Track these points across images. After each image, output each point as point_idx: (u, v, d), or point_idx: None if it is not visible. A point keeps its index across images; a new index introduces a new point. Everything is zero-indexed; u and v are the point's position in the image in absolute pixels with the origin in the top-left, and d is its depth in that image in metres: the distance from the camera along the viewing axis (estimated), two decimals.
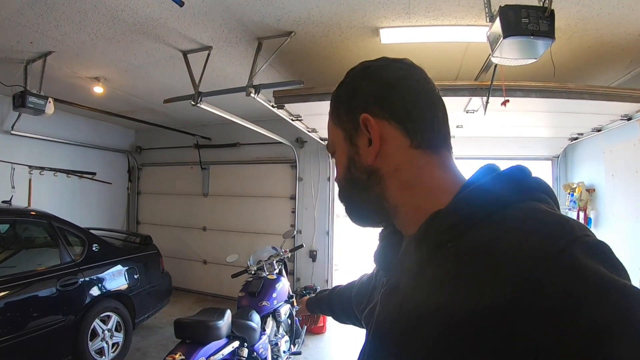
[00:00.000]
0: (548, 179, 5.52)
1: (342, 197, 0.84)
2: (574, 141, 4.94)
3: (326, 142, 0.92)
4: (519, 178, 0.64)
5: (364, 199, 0.78)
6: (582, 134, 4.68)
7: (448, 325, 0.54)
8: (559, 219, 0.56)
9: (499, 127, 4.69)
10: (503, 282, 0.50)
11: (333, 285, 1.67)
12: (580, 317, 0.44)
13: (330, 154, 0.87)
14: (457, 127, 4.68)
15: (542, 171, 5.75)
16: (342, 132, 0.79)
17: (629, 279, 0.49)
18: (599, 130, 4.35)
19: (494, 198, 0.61)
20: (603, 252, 0.51)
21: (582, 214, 4.70)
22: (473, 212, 0.61)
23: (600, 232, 4.51)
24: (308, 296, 1.72)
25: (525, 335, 0.46)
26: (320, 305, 1.59)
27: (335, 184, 0.89)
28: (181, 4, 2.80)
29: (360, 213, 0.82)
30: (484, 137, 5.25)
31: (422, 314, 0.60)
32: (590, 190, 4.69)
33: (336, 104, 0.81)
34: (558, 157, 5.56)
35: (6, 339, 3.20)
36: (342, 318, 1.44)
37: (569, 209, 4.93)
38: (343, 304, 1.37)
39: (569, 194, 4.94)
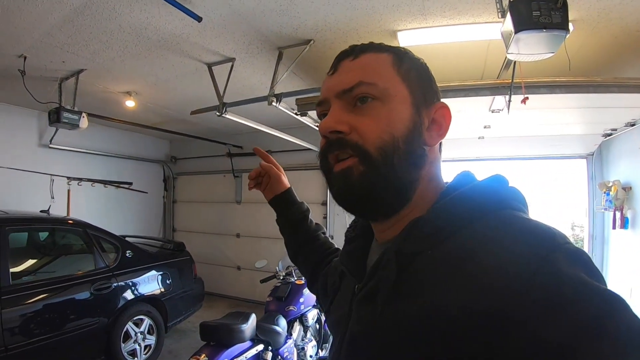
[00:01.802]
0: (583, 178, 5.36)
1: (386, 156, 0.66)
2: (607, 137, 4.73)
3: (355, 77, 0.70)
4: (495, 188, 0.66)
5: (407, 174, 0.69)
6: (615, 130, 4.48)
7: (431, 332, 0.55)
8: (541, 227, 0.56)
9: (528, 126, 4.56)
10: (487, 288, 0.51)
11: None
12: (563, 320, 0.46)
13: (360, 91, 0.68)
14: (485, 127, 4.60)
15: (577, 170, 5.58)
16: (408, 92, 0.70)
17: (606, 285, 0.50)
18: (633, 125, 4.17)
19: (472, 207, 0.62)
20: (583, 259, 0.52)
21: (618, 214, 4.50)
22: (452, 220, 0.62)
23: (638, 233, 4.32)
24: (290, 188, 1.34)
25: (509, 339, 0.48)
26: (298, 222, 1.29)
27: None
28: (199, 20, 2.92)
29: (390, 189, 0.68)
30: (514, 137, 5.10)
31: (404, 322, 0.60)
32: (627, 189, 4.47)
33: (402, 62, 0.72)
34: (592, 154, 5.31)
35: (44, 339, 3.43)
36: (297, 258, 1.30)
37: (605, 209, 4.72)
38: (315, 259, 1.22)
39: (604, 193, 4.71)
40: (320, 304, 1.21)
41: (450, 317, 0.53)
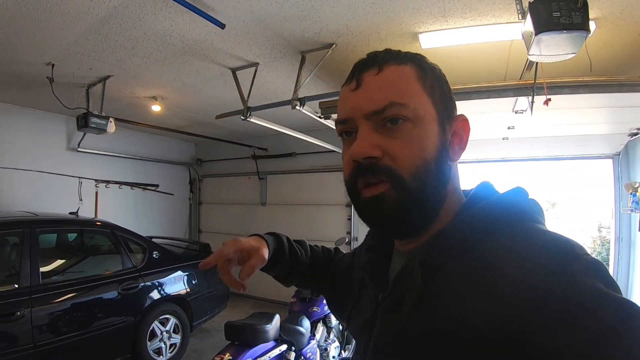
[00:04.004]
0: (609, 179, 5.25)
1: (419, 181, 0.66)
2: (634, 137, 4.61)
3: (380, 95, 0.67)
4: (517, 200, 0.67)
5: (437, 193, 0.69)
6: None
7: (455, 342, 0.56)
8: (560, 238, 0.58)
9: (553, 126, 4.49)
10: (508, 300, 0.52)
11: None
12: (582, 326, 0.47)
13: (392, 112, 0.66)
14: (509, 128, 4.55)
15: (603, 170, 5.47)
16: (434, 110, 0.69)
17: (622, 295, 0.52)
18: None
19: (495, 219, 0.64)
20: (600, 269, 0.53)
21: None
22: (476, 232, 0.63)
23: None
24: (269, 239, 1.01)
25: (528, 350, 0.49)
26: (294, 266, 1.08)
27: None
28: (222, 27, 2.98)
29: (422, 211, 0.68)
30: (539, 137, 5.05)
31: (429, 332, 0.60)
32: None
33: (426, 75, 0.71)
34: (619, 154, 5.19)
35: (72, 336, 3.56)
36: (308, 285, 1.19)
37: (631, 211, 4.61)
38: (322, 274, 1.13)
39: (630, 194, 4.60)
40: (332, 306, 1.13)
41: (473, 328, 0.54)
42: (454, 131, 0.72)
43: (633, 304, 0.49)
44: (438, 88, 0.71)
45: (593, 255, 0.56)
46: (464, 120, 0.74)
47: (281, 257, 1.03)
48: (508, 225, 0.62)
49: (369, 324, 0.76)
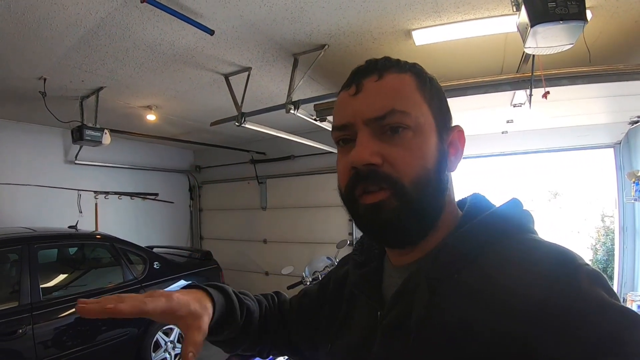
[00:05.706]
0: (611, 168, 5.20)
1: (420, 190, 0.65)
2: (634, 125, 4.56)
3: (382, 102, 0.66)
4: (515, 213, 0.69)
5: (436, 203, 0.69)
6: None
7: (464, 354, 0.56)
8: (560, 249, 0.59)
9: (552, 118, 4.46)
10: (515, 311, 0.53)
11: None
12: (585, 333, 0.49)
13: (394, 120, 0.65)
14: (508, 122, 4.52)
15: (604, 159, 5.42)
16: (433, 120, 0.69)
17: (621, 303, 0.53)
18: None
19: (495, 232, 0.65)
20: (600, 279, 0.55)
21: None
22: (477, 245, 0.64)
23: None
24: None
25: (540, 354, 0.49)
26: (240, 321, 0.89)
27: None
28: (211, 33, 2.95)
29: (421, 221, 0.68)
30: (539, 129, 5.00)
31: (436, 346, 0.60)
32: None
33: (425, 85, 0.70)
34: (620, 143, 5.15)
35: (75, 351, 3.59)
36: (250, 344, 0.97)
37: (635, 200, 4.56)
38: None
39: (633, 183, 4.55)
40: (310, 340, 0.97)
41: (480, 338, 0.55)
42: (450, 142, 0.72)
43: (634, 313, 0.51)
44: (436, 98, 0.71)
45: (592, 264, 0.59)
46: (459, 131, 0.74)
47: (232, 318, 0.85)
48: (508, 238, 0.64)
49: (365, 343, 0.73)
